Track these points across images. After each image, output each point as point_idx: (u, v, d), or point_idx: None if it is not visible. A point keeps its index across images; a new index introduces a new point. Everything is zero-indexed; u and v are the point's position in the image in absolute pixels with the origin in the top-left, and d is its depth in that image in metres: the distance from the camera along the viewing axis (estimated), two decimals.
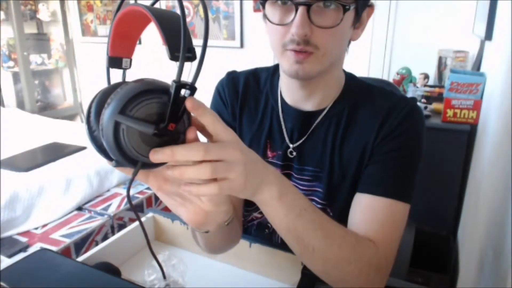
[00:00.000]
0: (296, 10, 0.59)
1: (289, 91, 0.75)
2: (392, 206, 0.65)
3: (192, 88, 0.41)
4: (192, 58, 0.40)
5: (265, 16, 0.66)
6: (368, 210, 0.66)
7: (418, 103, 1.73)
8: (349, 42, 0.71)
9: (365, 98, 0.73)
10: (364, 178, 0.69)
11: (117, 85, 0.42)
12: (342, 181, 0.73)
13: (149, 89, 0.40)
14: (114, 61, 0.48)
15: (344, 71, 0.77)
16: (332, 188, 0.73)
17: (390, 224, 0.65)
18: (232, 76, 0.84)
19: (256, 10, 2.69)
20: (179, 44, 0.38)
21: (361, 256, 0.59)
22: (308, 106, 0.74)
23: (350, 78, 0.77)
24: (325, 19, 0.60)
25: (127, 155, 0.41)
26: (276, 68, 0.81)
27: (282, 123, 0.77)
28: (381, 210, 0.65)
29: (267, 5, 0.64)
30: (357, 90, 0.75)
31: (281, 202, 0.51)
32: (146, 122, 0.40)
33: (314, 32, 0.60)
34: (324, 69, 0.65)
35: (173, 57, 0.39)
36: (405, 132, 0.68)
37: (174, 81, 0.40)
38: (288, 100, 0.76)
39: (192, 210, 0.49)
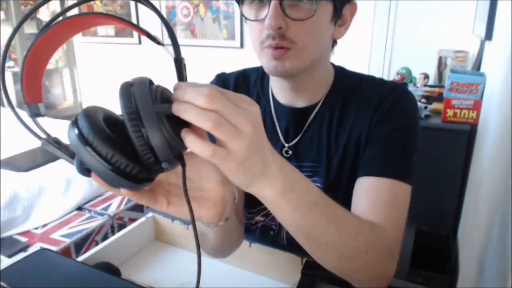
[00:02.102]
0: (270, 5, 0.60)
1: (279, 90, 0.76)
2: (394, 186, 0.64)
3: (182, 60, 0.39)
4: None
5: (242, 15, 0.66)
6: (370, 192, 0.64)
7: (418, 103, 1.74)
8: (335, 42, 0.71)
9: (356, 89, 0.73)
10: (362, 162, 0.69)
11: (93, 108, 0.39)
12: (340, 173, 0.73)
13: (149, 80, 0.38)
14: (34, 109, 0.41)
15: (332, 64, 0.77)
16: (331, 181, 0.73)
17: (395, 205, 0.63)
18: (222, 78, 0.84)
19: None
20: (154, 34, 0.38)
21: (376, 244, 0.57)
22: (300, 103, 0.74)
23: (339, 71, 0.77)
24: (298, 12, 0.60)
25: (174, 149, 0.37)
26: None
27: (276, 122, 0.77)
28: (384, 191, 0.64)
29: (244, 5, 0.65)
30: (348, 82, 0.75)
31: (286, 199, 0.45)
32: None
33: (289, 26, 0.61)
34: (304, 66, 0.65)
35: (159, 42, 0.38)
36: (397, 114, 0.69)
37: (175, 58, 0.37)
38: (280, 99, 0.76)
39: (211, 204, 0.47)
